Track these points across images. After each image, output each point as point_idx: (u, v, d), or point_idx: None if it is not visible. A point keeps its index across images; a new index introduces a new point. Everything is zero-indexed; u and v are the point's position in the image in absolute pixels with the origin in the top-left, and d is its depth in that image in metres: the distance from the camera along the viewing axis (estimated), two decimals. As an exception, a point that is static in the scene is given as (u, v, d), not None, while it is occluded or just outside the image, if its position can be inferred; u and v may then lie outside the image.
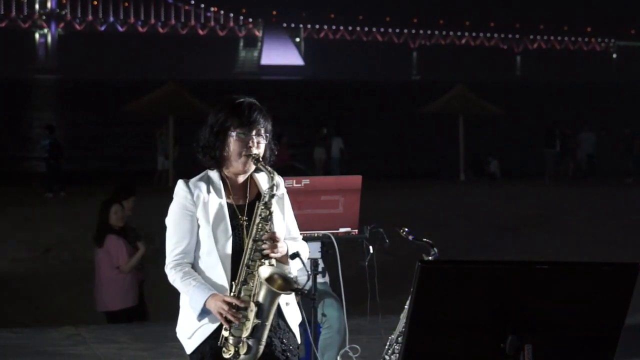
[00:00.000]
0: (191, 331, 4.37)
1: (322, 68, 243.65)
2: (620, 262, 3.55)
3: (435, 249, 5.58)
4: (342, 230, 6.41)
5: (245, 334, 4.22)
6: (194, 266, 4.40)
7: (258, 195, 4.45)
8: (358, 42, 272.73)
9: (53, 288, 14.02)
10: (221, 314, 4.23)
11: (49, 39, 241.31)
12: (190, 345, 4.40)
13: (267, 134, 4.43)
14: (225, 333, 4.26)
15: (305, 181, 6.01)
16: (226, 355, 4.25)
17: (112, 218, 9.95)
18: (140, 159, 36.33)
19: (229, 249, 4.35)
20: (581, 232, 18.74)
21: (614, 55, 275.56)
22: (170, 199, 4.48)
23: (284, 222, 4.49)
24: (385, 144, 45.40)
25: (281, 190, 4.49)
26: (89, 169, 35.03)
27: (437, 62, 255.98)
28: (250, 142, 4.37)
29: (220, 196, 4.39)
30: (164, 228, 4.47)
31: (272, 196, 4.36)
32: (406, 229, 5.58)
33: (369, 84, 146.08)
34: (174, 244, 4.38)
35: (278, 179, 4.39)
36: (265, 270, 4.25)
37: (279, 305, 4.39)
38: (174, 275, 4.36)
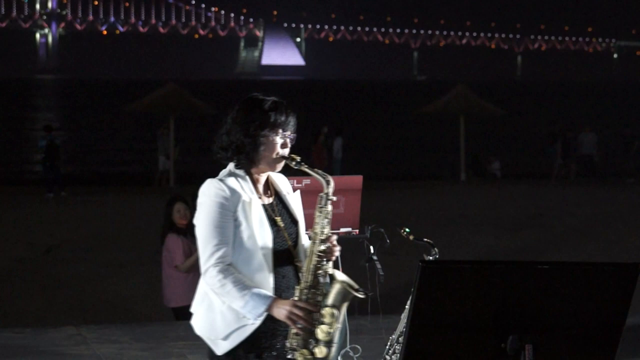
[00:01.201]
0: (226, 332, 4.28)
1: (323, 68, 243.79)
2: (620, 262, 3.55)
3: (436, 249, 5.58)
4: (343, 230, 6.41)
5: (325, 337, 4.20)
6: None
7: (277, 194, 4.45)
8: (359, 42, 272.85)
9: (53, 288, 14.01)
10: (292, 319, 4.18)
11: (50, 39, 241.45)
12: (224, 346, 4.30)
13: (294, 134, 4.44)
14: (296, 338, 4.22)
15: (306, 181, 6.01)
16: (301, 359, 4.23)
17: (175, 216, 9.95)
18: (141, 159, 36.35)
19: (271, 251, 4.30)
20: (581, 232, 18.73)
21: (615, 55, 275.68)
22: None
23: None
24: (386, 144, 45.42)
25: (290, 187, 4.53)
26: (89, 169, 35.05)
27: (438, 62, 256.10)
28: (286, 142, 4.37)
29: (254, 196, 4.34)
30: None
31: (328, 199, 4.34)
32: (407, 229, 5.58)
33: (369, 84, 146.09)
34: (214, 246, 4.25)
35: (329, 178, 4.37)
36: (340, 275, 4.26)
37: None
38: (223, 280, 4.22)
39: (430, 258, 5.53)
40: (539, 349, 3.49)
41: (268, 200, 4.41)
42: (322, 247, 4.28)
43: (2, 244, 17.05)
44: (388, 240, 5.89)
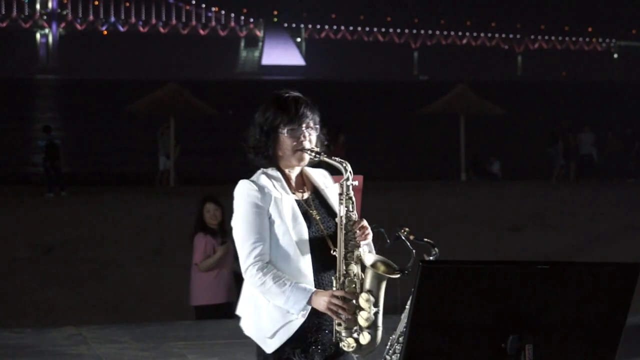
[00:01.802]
0: (273, 330, 4.31)
1: (324, 68, 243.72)
2: (621, 262, 3.55)
3: (436, 249, 5.57)
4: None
5: (366, 323, 4.23)
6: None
7: (314, 188, 4.48)
8: (359, 42, 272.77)
9: (53, 288, 14.02)
10: (332, 310, 4.20)
11: (50, 39, 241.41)
12: (272, 344, 4.32)
13: (317, 126, 4.43)
14: (339, 328, 4.24)
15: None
16: (348, 349, 4.25)
17: (206, 216, 10.02)
18: (141, 159, 36.33)
19: (307, 245, 4.32)
20: (582, 232, 18.73)
21: (615, 55, 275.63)
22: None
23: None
24: (386, 144, 45.40)
25: (330, 181, 4.53)
26: (89, 169, 35.04)
27: (439, 62, 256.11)
28: (302, 136, 4.37)
29: (287, 192, 4.37)
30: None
31: (348, 185, 4.36)
32: (407, 229, 5.58)
33: (369, 84, 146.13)
34: (251, 245, 4.29)
35: (347, 166, 4.38)
36: (369, 258, 4.27)
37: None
38: (263, 277, 4.26)
39: (431, 258, 5.53)
40: (539, 349, 3.49)
41: (302, 196, 4.43)
42: (343, 236, 4.30)
43: (2, 244, 17.05)
44: (388, 240, 5.88)
